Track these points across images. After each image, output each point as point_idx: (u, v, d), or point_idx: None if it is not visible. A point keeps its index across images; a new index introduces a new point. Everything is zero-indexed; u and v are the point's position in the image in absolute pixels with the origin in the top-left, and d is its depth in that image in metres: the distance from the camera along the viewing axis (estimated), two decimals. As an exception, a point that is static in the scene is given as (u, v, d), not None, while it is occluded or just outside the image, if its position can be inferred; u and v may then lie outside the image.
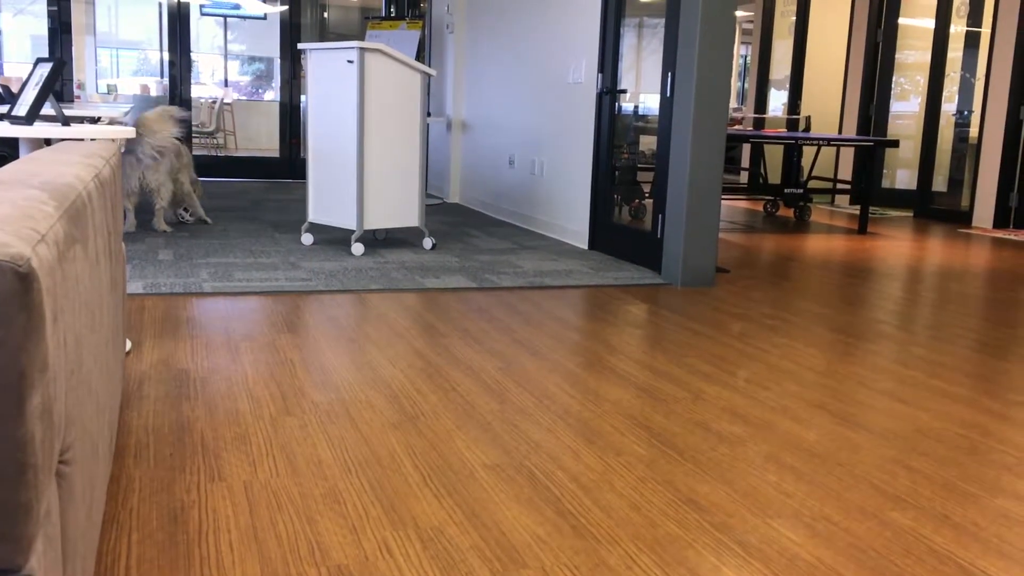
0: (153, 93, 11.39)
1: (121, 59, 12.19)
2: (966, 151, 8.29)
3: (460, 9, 7.85)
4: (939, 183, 8.58)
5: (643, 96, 5.56)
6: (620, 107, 5.49)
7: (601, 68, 5.45)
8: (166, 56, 9.22)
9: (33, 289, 0.86)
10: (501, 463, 2.25)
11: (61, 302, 1.05)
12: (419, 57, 7.90)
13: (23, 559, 0.88)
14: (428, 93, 8.34)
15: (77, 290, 1.23)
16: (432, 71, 5.22)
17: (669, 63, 4.71)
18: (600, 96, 5.47)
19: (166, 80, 9.30)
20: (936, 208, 8.46)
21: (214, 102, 11.24)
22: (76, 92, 9.35)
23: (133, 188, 5.53)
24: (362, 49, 4.86)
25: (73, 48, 9.10)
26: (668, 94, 4.72)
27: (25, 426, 0.86)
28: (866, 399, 2.89)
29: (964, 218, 7.97)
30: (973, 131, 8.19)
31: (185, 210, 6.03)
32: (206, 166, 9.22)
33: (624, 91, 5.42)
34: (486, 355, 3.21)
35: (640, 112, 5.64)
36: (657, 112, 4.88)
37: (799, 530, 1.95)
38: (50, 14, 8.81)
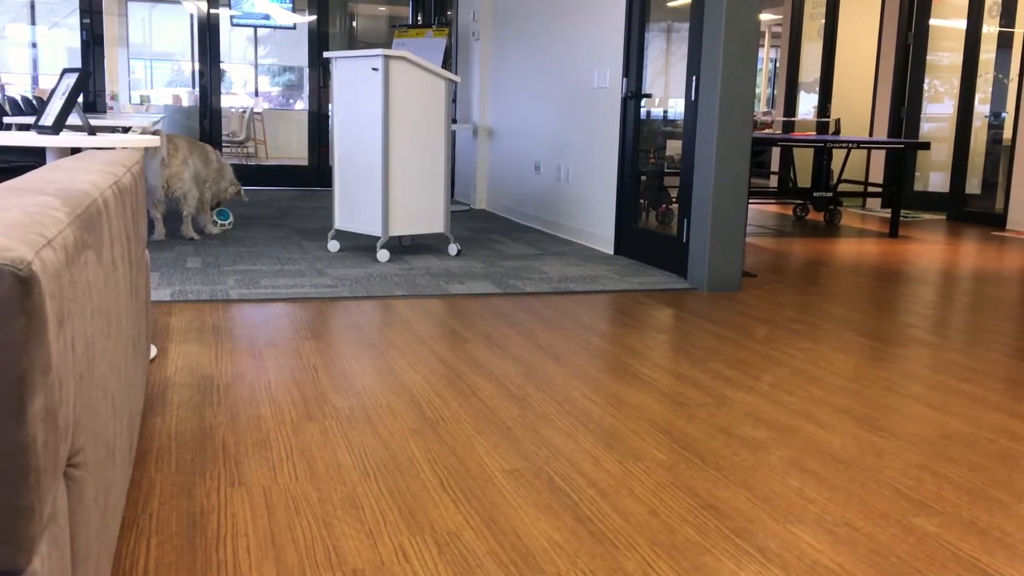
0: (185, 103, 11.53)
1: (154, 70, 12.35)
2: (1000, 153, 8.17)
3: (486, 16, 7.87)
4: (973, 185, 8.46)
5: (671, 101, 5.54)
6: (649, 112, 5.47)
7: (626, 73, 5.44)
8: (197, 67, 9.33)
9: (33, 292, 0.86)
10: (520, 468, 2.25)
11: (68, 306, 1.06)
12: (445, 64, 7.93)
13: (25, 561, 0.88)
14: (454, 100, 8.37)
15: (89, 295, 1.24)
16: (457, 78, 5.23)
17: (694, 67, 4.69)
18: (625, 101, 5.46)
19: (197, 90, 9.41)
20: (969, 211, 8.34)
21: (244, 112, 11.36)
22: (109, 103, 9.49)
23: (159, 198, 5.57)
24: (386, 57, 4.89)
25: (106, 60, 9.23)
26: (693, 98, 4.70)
27: (26, 428, 0.87)
28: (893, 404, 2.85)
29: (998, 221, 7.85)
30: (1007, 133, 8.07)
31: (214, 223, 6.06)
32: (236, 175, 9.30)
33: (649, 95, 5.40)
34: (508, 361, 3.20)
35: (668, 117, 5.61)
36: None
37: (820, 536, 1.92)
38: (83, 26, 8.95)
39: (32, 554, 0.90)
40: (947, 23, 8.74)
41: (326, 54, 5.26)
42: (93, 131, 2.99)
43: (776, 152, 9.92)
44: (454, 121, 8.29)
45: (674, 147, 5.32)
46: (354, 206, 5.21)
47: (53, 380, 0.93)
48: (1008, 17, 8.10)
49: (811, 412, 2.74)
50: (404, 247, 5.61)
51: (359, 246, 5.57)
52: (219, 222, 6.10)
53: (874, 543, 1.90)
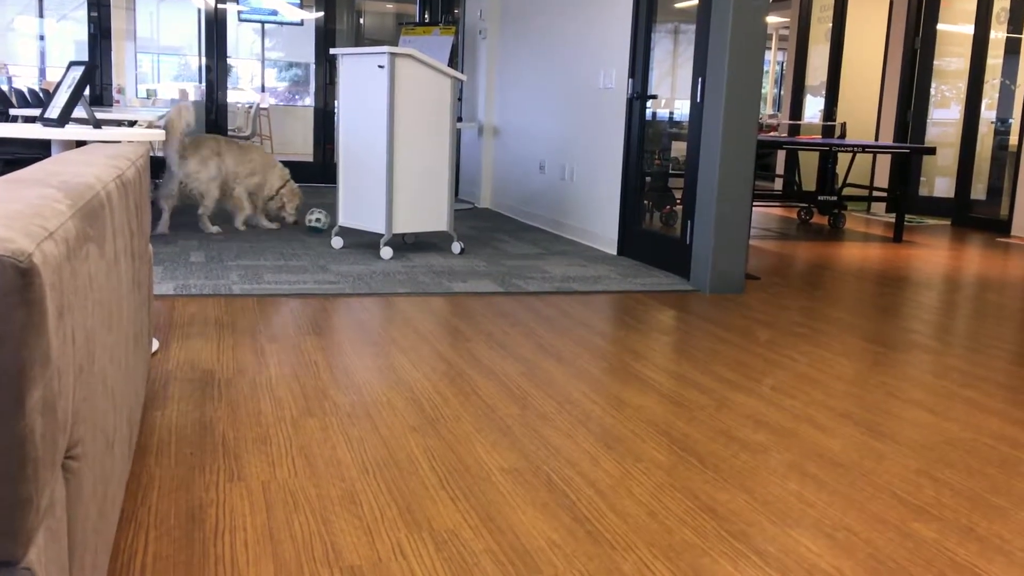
0: (191, 98, 11.55)
1: (161, 64, 12.38)
2: (1006, 159, 8.15)
3: (493, 15, 7.87)
4: (978, 191, 8.45)
5: (676, 102, 5.54)
6: (655, 113, 5.47)
7: (632, 73, 5.44)
8: (204, 61, 9.34)
9: (34, 284, 0.87)
10: (519, 467, 2.25)
11: (69, 298, 1.06)
12: (452, 63, 7.93)
13: (22, 552, 0.89)
14: (460, 98, 8.37)
15: (89, 287, 1.24)
16: (462, 76, 5.23)
17: (700, 68, 4.68)
18: (630, 101, 5.45)
19: (204, 85, 9.42)
20: (974, 216, 8.32)
21: (250, 107, 11.36)
22: (116, 96, 9.50)
23: (171, 191, 5.61)
24: (392, 54, 4.89)
25: (113, 53, 9.25)
26: (698, 100, 4.69)
27: (25, 420, 0.87)
28: (894, 409, 2.85)
29: (1003, 227, 7.83)
30: (1013, 139, 8.06)
31: (269, 216, 6.05)
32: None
33: (654, 96, 5.40)
34: (509, 360, 3.21)
35: (673, 118, 5.61)
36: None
37: (819, 540, 1.92)
38: (91, 19, 8.97)
39: (29, 545, 0.90)
40: (955, 28, 8.73)
41: (333, 51, 5.27)
42: (99, 124, 2.99)
43: (781, 155, 9.91)
44: (459, 119, 8.30)
45: (679, 148, 5.32)
46: (358, 203, 5.21)
47: (52, 372, 0.93)
48: (1016, 23, 8.09)
49: (812, 416, 2.74)
50: (407, 245, 5.62)
51: (362, 243, 5.58)
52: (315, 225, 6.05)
53: (872, 548, 1.90)
